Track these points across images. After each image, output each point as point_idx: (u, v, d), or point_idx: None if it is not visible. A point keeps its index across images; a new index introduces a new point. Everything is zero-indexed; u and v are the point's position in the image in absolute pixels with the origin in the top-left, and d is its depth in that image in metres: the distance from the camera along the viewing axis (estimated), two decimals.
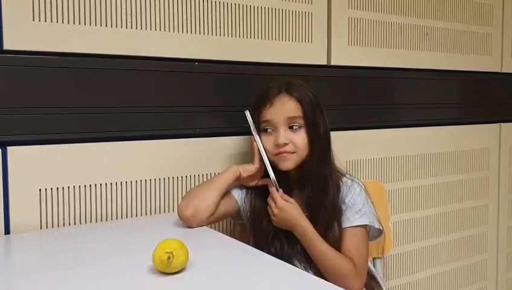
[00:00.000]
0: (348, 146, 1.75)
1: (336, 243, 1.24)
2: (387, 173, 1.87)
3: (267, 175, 1.30)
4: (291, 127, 1.27)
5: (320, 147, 1.28)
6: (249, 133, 1.33)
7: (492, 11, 2.17)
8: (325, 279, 1.16)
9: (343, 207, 1.28)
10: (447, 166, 2.05)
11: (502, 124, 2.24)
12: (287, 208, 1.24)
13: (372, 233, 1.33)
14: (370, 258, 1.45)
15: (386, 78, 1.86)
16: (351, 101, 1.77)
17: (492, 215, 2.23)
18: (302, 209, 1.27)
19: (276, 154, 1.27)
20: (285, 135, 1.26)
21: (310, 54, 1.66)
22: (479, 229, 2.19)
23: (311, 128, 1.27)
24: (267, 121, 1.28)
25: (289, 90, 1.28)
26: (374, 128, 1.84)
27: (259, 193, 1.32)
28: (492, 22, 2.18)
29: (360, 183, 1.34)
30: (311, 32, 1.65)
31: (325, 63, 1.70)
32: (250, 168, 1.30)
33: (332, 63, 1.71)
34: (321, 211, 1.25)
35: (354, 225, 1.26)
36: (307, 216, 1.26)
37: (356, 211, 1.27)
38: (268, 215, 1.28)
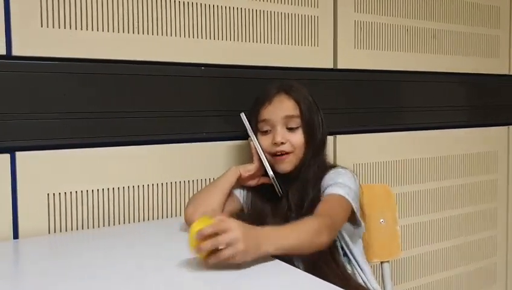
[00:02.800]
0: (355, 149, 1.75)
1: None
2: (395, 176, 1.86)
3: (267, 174, 1.31)
4: (289, 129, 1.28)
5: (315, 149, 1.29)
6: (246, 136, 1.33)
7: (499, 13, 2.16)
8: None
9: (323, 183, 1.23)
10: (455, 169, 2.04)
11: (510, 126, 2.23)
12: (237, 233, 0.91)
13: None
14: (378, 262, 1.44)
15: (392, 81, 1.86)
16: (357, 104, 1.76)
17: (501, 218, 2.22)
18: (293, 207, 1.24)
19: (273, 154, 1.28)
20: (283, 133, 1.27)
21: (317, 58, 1.66)
22: (488, 232, 2.17)
23: (308, 129, 1.28)
24: (265, 120, 1.29)
25: (288, 91, 1.30)
26: (381, 132, 1.83)
27: (259, 193, 1.33)
28: (499, 24, 2.17)
29: (349, 170, 1.28)
30: (318, 36, 1.66)
31: (331, 66, 1.70)
32: (249, 168, 1.31)
33: (339, 66, 1.71)
34: (306, 208, 1.22)
35: (329, 192, 1.19)
36: (298, 215, 1.20)
37: (335, 183, 1.21)
38: (271, 212, 1.28)
